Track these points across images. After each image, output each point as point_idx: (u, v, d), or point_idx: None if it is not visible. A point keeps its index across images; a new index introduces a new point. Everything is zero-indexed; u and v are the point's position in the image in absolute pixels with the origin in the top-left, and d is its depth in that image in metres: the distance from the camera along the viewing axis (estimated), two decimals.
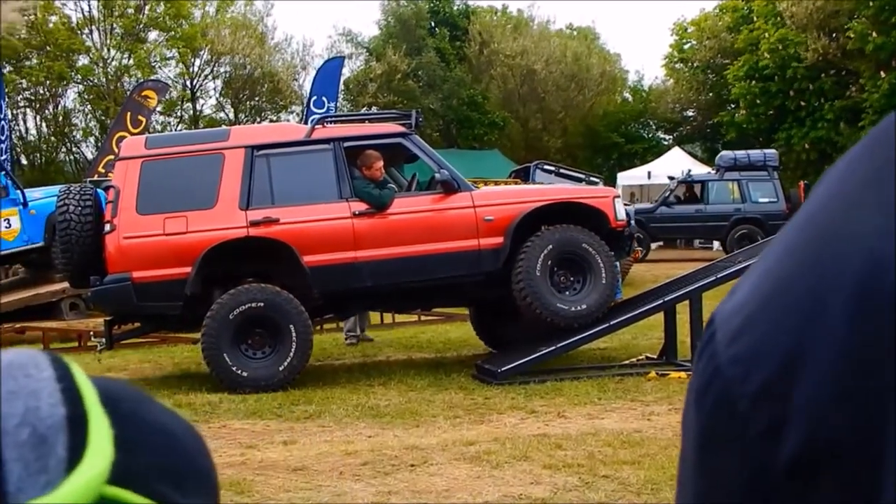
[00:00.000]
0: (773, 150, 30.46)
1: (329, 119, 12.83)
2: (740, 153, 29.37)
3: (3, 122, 27.44)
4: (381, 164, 11.87)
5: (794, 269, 0.68)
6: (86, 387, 0.67)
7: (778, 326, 0.67)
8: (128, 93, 31.68)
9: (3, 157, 26.82)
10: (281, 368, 11.35)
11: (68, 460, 0.62)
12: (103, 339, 12.73)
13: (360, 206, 11.75)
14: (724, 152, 31.14)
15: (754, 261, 0.74)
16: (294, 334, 11.35)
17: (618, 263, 13.09)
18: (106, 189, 12.05)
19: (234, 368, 11.26)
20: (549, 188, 14.39)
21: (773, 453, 0.65)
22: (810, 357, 0.64)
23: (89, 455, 0.63)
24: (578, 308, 11.70)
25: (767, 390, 0.66)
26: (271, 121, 44.60)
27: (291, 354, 11.37)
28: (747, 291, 0.71)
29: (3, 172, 19.15)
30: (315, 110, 23.50)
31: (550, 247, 11.71)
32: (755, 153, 29.48)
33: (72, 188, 12.22)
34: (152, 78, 35.83)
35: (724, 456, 0.69)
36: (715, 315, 0.74)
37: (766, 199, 28.57)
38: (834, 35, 36.82)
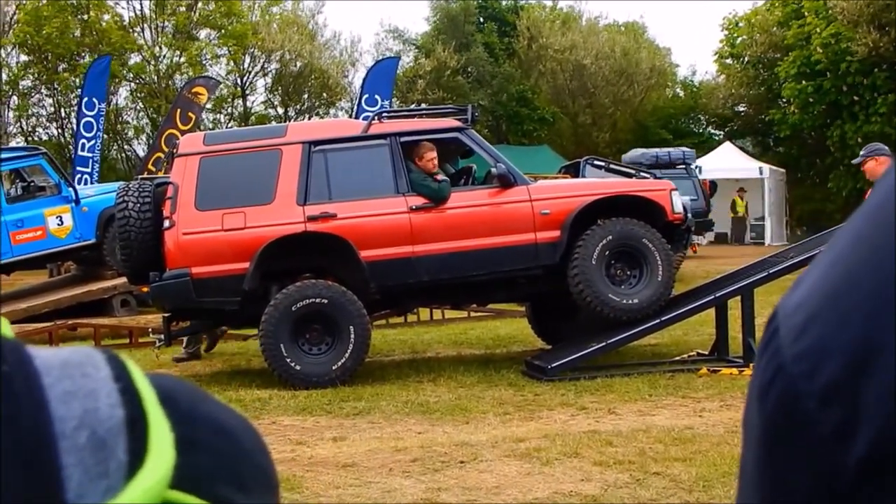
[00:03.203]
0: (691, 149, 30.10)
1: (385, 114, 12.81)
2: (661, 151, 29.22)
3: (100, 116, 28.11)
4: (433, 154, 11.87)
5: (863, 260, 0.64)
6: (144, 386, 0.65)
7: (846, 320, 0.63)
8: (178, 90, 31.90)
9: (95, 153, 27.57)
10: (334, 367, 11.35)
11: (129, 464, 0.61)
12: (162, 336, 12.83)
13: (417, 201, 11.76)
14: (644, 150, 30.95)
15: (816, 253, 0.71)
16: (353, 336, 11.35)
17: None
18: (156, 186, 12.14)
19: (288, 360, 11.28)
20: (604, 182, 14.31)
21: (842, 453, 0.62)
22: (881, 351, 0.61)
23: (151, 459, 0.61)
24: (630, 302, 11.64)
25: (835, 387, 0.62)
26: (320, 116, 44.74)
27: (347, 355, 11.37)
28: (811, 285, 0.68)
29: (55, 168, 19.35)
30: (367, 108, 23.54)
31: (610, 237, 11.65)
32: (675, 151, 29.37)
33: (130, 185, 12.26)
34: (203, 75, 36.01)
35: (788, 457, 0.66)
36: (777, 310, 0.70)
37: (686, 197, 28.43)
38: (886, 29, 36.43)
